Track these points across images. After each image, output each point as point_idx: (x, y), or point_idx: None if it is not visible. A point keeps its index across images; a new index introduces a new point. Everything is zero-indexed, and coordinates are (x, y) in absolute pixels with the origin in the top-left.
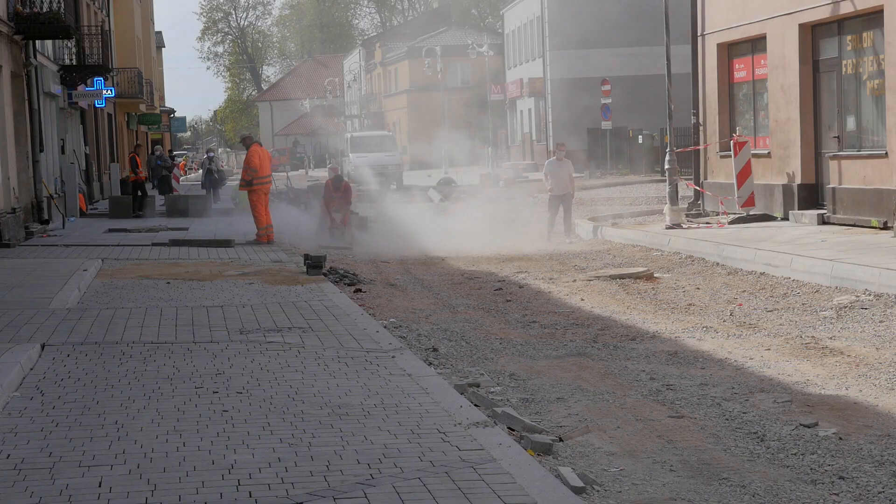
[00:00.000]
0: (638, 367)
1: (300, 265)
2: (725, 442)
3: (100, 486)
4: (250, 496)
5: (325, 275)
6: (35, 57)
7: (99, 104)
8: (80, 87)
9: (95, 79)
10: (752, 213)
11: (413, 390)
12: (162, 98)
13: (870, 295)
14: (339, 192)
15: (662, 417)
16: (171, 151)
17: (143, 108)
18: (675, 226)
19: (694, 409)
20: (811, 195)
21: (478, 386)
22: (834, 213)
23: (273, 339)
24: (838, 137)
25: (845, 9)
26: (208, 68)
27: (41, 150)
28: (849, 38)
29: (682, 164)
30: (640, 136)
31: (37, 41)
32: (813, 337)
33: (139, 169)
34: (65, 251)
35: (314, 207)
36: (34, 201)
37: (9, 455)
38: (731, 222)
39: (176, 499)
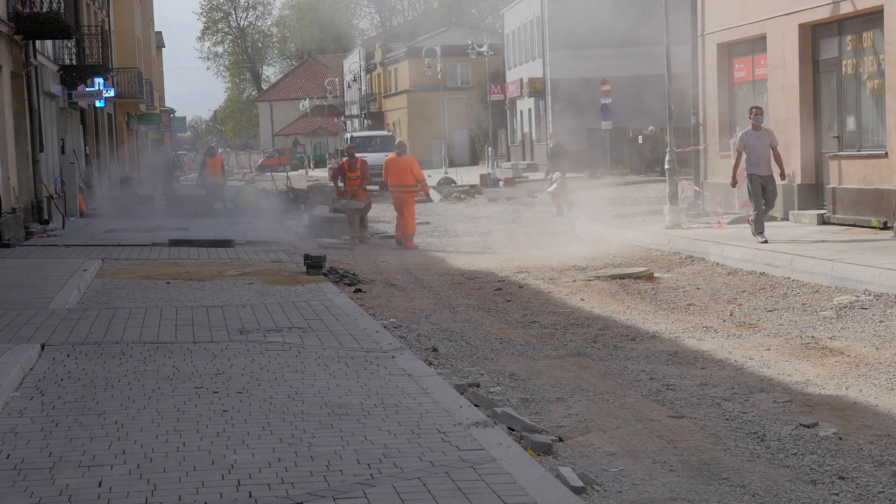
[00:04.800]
0: (638, 367)
1: (300, 265)
2: (725, 442)
3: (100, 486)
4: (250, 496)
5: (324, 275)
6: (35, 57)
7: (99, 104)
8: (80, 87)
9: (95, 79)
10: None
11: (413, 390)
12: (162, 98)
13: (870, 295)
14: (355, 171)
15: (662, 417)
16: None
17: (143, 108)
18: (675, 226)
19: (694, 409)
20: (811, 195)
21: (478, 386)
22: (834, 213)
23: (273, 339)
24: (838, 137)
25: (845, 9)
26: (208, 68)
27: (41, 150)
28: (849, 38)
29: (682, 164)
30: (640, 136)
31: (37, 41)
32: (813, 337)
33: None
34: (65, 251)
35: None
36: (34, 201)
37: (9, 455)
38: (731, 222)
39: (176, 499)
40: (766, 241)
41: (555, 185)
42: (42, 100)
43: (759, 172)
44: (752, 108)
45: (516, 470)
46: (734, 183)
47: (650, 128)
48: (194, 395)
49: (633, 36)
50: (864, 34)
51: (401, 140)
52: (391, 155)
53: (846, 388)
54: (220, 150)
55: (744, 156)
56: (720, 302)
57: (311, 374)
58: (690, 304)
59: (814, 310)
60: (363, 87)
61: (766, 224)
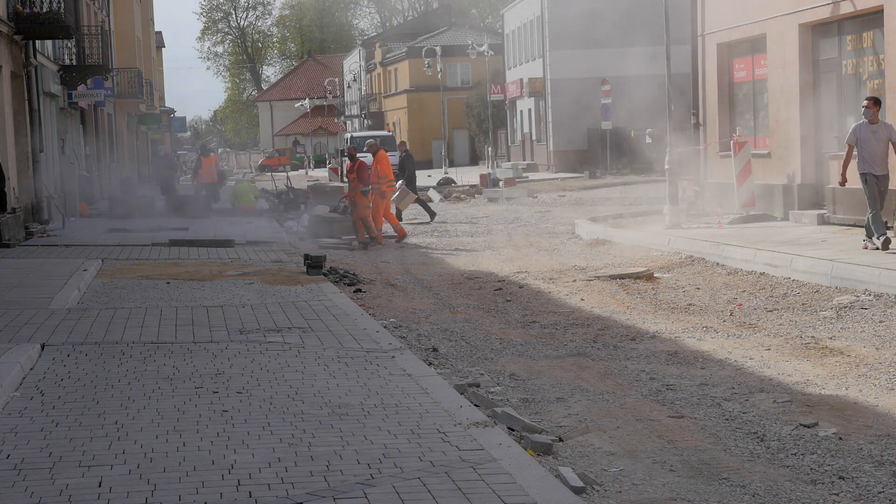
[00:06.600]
0: (638, 367)
1: (300, 265)
2: (725, 442)
3: (100, 486)
4: (250, 496)
5: (325, 275)
6: (35, 57)
7: (99, 104)
8: (80, 87)
9: (95, 79)
10: (752, 213)
11: (413, 390)
12: (162, 98)
13: (870, 295)
14: (352, 172)
15: (662, 417)
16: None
17: (143, 108)
18: (675, 226)
19: (694, 409)
20: (811, 195)
21: (478, 386)
22: (834, 213)
23: (273, 339)
24: (838, 137)
25: (845, 9)
26: (208, 68)
27: (41, 150)
28: (849, 38)
29: (682, 164)
30: (646, 136)
31: (37, 41)
32: (813, 337)
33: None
34: (65, 251)
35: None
36: (34, 201)
37: (9, 455)
38: (731, 222)
39: (176, 499)
40: (887, 244)
41: (397, 193)
42: (42, 100)
43: (875, 172)
44: (867, 98)
45: (516, 470)
46: (843, 181)
47: (648, 130)
48: (194, 395)
49: (633, 36)
50: (864, 34)
51: (371, 140)
52: (381, 150)
53: (846, 388)
54: (220, 150)
55: (854, 151)
56: (720, 302)
57: (311, 374)
58: (690, 304)
59: (814, 310)
60: (363, 87)
61: (766, 224)
